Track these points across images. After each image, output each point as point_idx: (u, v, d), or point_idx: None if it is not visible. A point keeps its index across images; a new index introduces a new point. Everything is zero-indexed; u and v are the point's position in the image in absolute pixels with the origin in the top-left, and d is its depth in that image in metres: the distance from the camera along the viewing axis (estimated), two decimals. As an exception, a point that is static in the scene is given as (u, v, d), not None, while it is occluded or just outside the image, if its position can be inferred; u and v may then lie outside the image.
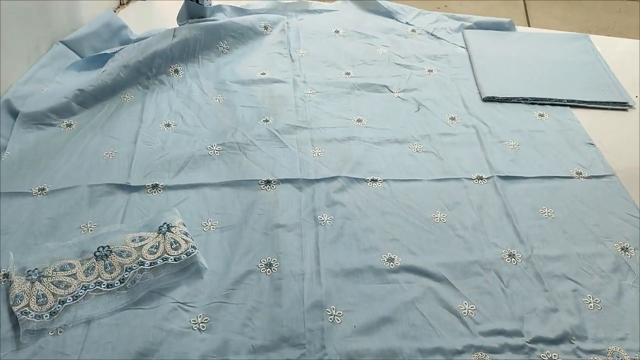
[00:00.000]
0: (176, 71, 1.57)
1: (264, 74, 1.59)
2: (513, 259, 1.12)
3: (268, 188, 1.24)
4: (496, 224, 1.19)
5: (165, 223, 1.11)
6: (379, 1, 1.94)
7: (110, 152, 1.31)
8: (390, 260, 1.10)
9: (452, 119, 1.48)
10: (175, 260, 1.06)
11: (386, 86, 1.59)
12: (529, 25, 2.21)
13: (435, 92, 1.58)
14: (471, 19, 1.90)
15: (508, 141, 1.41)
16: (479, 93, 1.58)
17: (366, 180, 1.28)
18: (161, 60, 1.54)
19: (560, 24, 2.22)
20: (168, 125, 1.41)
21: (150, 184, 1.23)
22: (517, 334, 0.99)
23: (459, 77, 1.64)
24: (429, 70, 1.66)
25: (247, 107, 1.47)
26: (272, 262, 1.09)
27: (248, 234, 1.14)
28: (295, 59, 1.67)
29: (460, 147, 1.39)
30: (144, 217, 1.15)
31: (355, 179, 1.28)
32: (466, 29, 1.86)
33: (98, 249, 1.06)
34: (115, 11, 1.86)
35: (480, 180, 1.29)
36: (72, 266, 1.04)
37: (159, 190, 1.22)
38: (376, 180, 1.28)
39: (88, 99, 1.43)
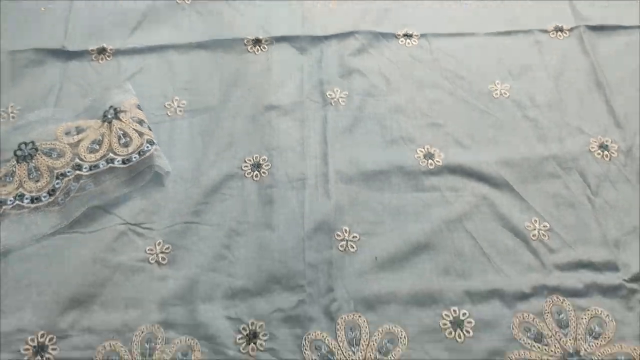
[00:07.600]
0: None
1: None
2: (606, 152, 0.78)
3: (257, 50, 0.89)
4: (582, 99, 0.84)
5: (112, 106, 0.79)
6: None
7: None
8: (429, 156, 0.78)
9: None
10: (124, 162, 0.75)
11: None
12: None
13: None
14: None
15: (600, -28, 0.99)
16: None
17: (396, 36, 0.91)
18: None
19: None
20: (123, -41, 1.02)
21: (95, 47, 0.89)
22: (610, 267, 0.68)
23: None
24: None
25: None
26: (261, 161, 0.78)
27: (229, 120, 0.82)
28: None
29: (531, -17, 0.98)
30: (86, 96, 0.84)
31: (381, 34, 0.91)
32: None
33: (19, 146, 0.76)
34: None
35: (559, 33, 0.91)
36: (-17, 171, 0.74)
37: (108, 56, 0.89)
38: (410, 36, 0.91)
39: None
